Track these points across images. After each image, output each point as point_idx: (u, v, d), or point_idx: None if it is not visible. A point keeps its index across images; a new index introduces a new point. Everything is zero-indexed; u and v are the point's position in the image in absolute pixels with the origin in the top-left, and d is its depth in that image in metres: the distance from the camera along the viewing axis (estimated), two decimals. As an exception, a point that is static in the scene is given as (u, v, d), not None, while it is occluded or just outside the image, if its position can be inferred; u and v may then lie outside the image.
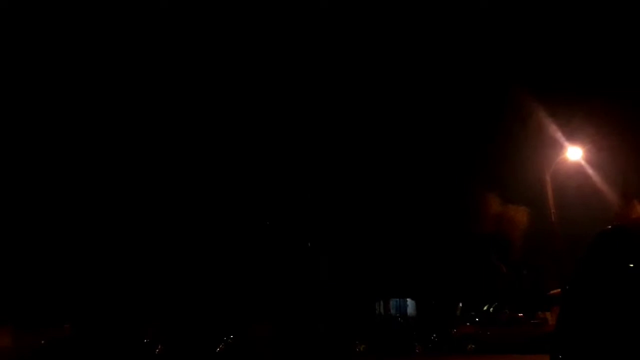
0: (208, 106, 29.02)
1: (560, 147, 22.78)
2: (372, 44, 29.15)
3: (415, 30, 28.90)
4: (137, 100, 28.58)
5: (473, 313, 27.16)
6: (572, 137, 22.73)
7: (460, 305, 29.78)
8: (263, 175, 29.25)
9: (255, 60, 29.76)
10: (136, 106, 28.57)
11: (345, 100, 29.34)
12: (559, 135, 23.14)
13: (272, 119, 29.16)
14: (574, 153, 22.37)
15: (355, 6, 28.55)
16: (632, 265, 3.05)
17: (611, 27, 25.55)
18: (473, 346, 21.61)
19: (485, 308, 27.20)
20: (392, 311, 32.41)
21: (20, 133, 27.23)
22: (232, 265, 28.38)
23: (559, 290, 19.48)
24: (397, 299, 32.74)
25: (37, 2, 27.73)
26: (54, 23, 27.80)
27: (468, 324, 24.40)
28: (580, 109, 23.88)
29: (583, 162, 22.86)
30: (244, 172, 29.09)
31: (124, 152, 28.33)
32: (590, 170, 23.33)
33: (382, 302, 32.26)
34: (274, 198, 29.75)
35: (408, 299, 32.72)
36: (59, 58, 28.08)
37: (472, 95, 28.62)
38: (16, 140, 27.16)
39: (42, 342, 21.77)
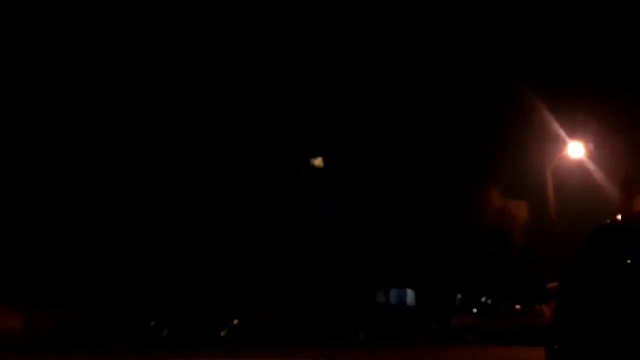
0: (207, 106, 29.26)
1: (562, 143, 22.95)
2: (372, 44, 29.24)
3: (416, 26, 28.96)
4: (137, 100, 28.78)
5: (471, 304, 27.53)
6: (574, 133, 22.86)
7: (459, 296, 30.19)
8: (266, 167, 29.57)
9: (255, 60, 29.91)
10: (136, 106, 28.78)
11: (345, 93, 29.54)
12: (560, 131, 23.29)
13: (271, 118, 29.40)
14: (576, 149, 22.51)
15: (355, 6, 28.59)
16: (629, 260, 3.08)
17: (616, 23, 25.59)
18: (471, 336, 22.01)
19: (483, 300, 27.56)
20: (393, 301, 32.85)
21: (21, 133, 27.49)
22: (236, 253, 28.73)
23: (557, 283, 19.76)
24: (398, 289, 33.16)
25: (37, 2, 27.75)
26: (54, 23, 27.85)
27: (466, 314, 24.79)
28: (582, 105, 23.98)
29: (585, 159, 22.98)
30: (247, 166, 29.42)
31: (128, 147, 28.63)
32: (591, 167, 23.43)
33: (383, 292, 32.68)
34: (278, 188, 30.07)
35: (408, 289, 33.15)
36: (59, 58, 28.19)
37: (475, 89, 28.76)
38: (23, 137, 27.42)
39: (53, 324, 22.13)
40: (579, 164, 23.14)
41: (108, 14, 28.89)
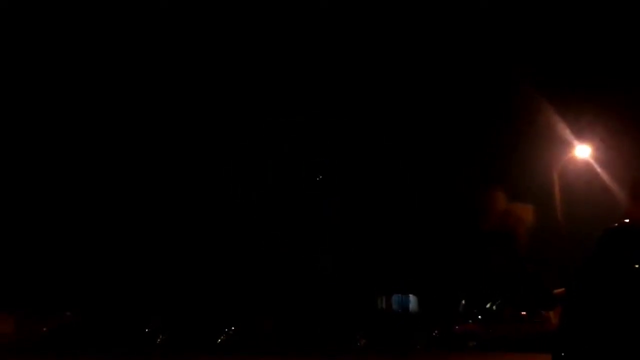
0: (207, 106, 29.20)
1: (568, 145, 22.65)
2: (372, 44, 29.08)
3: (418, 26, 28.79)
4: (137, 100, 28.76)
5: (475, 310, 27.09)
6: (580, 135, 22.56)
7: (463, 302, 29.73)
8: (266, 167, 29.45)
9: (255, 60, 29.82)
10: (136, 106, 28.77)
11: (347, 97, 29.43)
12: (567, 133, 22.99)
13: (271, 118, 29.32)
14: (583, 151, 22.20)
15: (355, 6, 28.51)
16: (637, 266, 3.04)
17: (621, 23, 25.36)
18: (474, 343, 21.57)
19: (488, 306, 27.11)
20: (395, 306, 32.41)
21: (21, 133, 27.49)
22: (235, 258, 28.47)
23: (563, 289, 19.28)
24: (400, 295, 32.74)
25: (37, 2, 27.85)
26: (54, 23, 27.95)
27: (470, 321, 24.35)
28: (589, 106, 23.71)
29: (591, 160, 22.64)
30: (247, 166, 29.29)
31: (127, 147, 28.57)
32: (598, 169, 23.09)
33: (384, 298, 32.29)
34: (278, 188, 29.87)
35: (410, 295, 32.71)
36: (59, 58, 28.25)
37: (481, 91, 28.50)
38: (18, 139, 27.42)
39: (44, 329, 21.95)
40: (586, 166, 22.79)
41: (108, 14, 28.94)
